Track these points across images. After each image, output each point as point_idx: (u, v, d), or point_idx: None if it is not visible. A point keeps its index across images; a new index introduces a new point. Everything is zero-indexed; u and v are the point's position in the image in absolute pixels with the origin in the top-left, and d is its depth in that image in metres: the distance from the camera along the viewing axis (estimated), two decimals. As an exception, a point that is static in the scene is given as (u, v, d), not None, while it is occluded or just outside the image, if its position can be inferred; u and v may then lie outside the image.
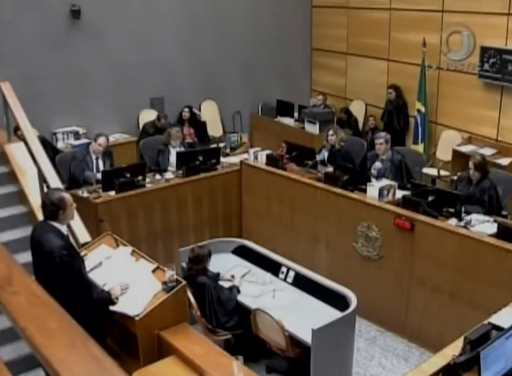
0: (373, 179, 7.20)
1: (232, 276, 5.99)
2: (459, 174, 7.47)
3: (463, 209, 6.40)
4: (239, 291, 5.78)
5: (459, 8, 9.50)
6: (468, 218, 6.26)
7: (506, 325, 4.07)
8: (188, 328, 4.63)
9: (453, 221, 6.15)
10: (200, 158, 7.79)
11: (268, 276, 6.11)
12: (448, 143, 9.76)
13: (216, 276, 5.90)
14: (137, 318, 4.36)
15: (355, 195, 6.83)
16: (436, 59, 9.98)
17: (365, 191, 6.83)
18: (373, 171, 7.53)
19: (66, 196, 4.48)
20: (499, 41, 8.97)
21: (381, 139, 7.68)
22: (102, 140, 7.74)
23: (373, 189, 6.73)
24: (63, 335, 3.11)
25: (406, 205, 6.45)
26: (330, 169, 7.58)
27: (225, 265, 6.29)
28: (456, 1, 9.60)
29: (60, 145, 9.60)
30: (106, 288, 4.57)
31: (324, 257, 7.08)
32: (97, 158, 7.80)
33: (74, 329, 3.15)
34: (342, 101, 12.01)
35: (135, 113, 10.57)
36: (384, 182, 6.97)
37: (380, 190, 6.68)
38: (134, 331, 4.43)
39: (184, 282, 4.64)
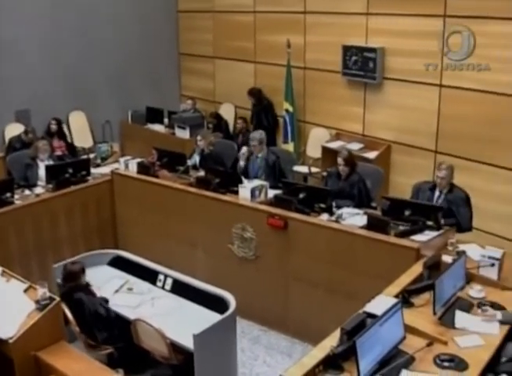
0: (245, 180, 7.25)
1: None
2: (328, 170, 7.63)
3: (333, 204, 6.55)
4: (106, 301, 5.65)
5: (321, 9, 9.75)
6: (339, 212, 6.41)
7: (379, 312, 4.18)
8: (66, 346, 4.51)
9: (325, 216, 6.29)
10: (70, 170, 7.57)
11: (146, 285, 6.03)
12: (317, 141, 10.00)
13: (89, 290, 5.75)
14: (11, 340, 4.21)
15: (228, 197, 6.85)
16: (301, 60, 10.19)
17: (237, 193, 6.86)
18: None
19: None
20: (360, 39, 9.26)
21: (255, 141, 7.78)
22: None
23: (244, 190, 6.77)
24: None
25: (278, 204, 6.52)
26: (202, 173, 7.57)
27: (102, 277, 6.14)
28: (317, 3, 9.84)
29: None
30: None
31: (202, 261, 7.05)
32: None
33: None
34: (212, 105, 12.06)
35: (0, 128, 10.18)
36: (256, 182, 7.03)
37: (252, 191, 6.73)
38: (9, 355, 4.26)
39: (58, 299, 4.51)
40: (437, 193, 6.56)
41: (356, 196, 6.95)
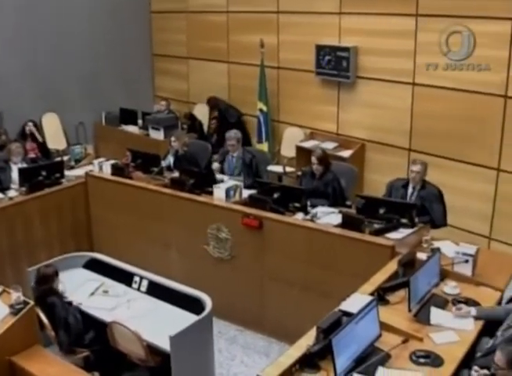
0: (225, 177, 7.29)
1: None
2: (302, 169, 7.65)
3: (308, 203, 6.57)
4: (70, 304, 5.60)
5: (294, 8, 9.76)
6: (314, 211, 6.43)
7: (355, 310, 4.20)
8: (42, 350, 4.48)
9: (300, 215, 6.30)
10: (44, 173, 7.50)
11: (122, 287, 5.98)
12: (291, 140, 10.02)
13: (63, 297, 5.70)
14: (-16, 346, 4.16)
15: (202, 198, 6.84)
16: (274, 59, 10.19)
17: (212, 193, 6.85)
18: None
19: None
20: (333, 39, 9.28)
21: (233, 141, 7.83)
22: None
23: (219, 190, 6.75)
24: None
25: (253, 204, 6.52)
26: (176, 174, 7.55)
27: (77, 280, 6.09)
28: (290, 2, 9.85)
29: None
30: None
31: (177, 262, 7.03)
32: None
33: None
34: (186, 105, 12.02)
35: (-29, 131, 10.03)
36: (230, 182, 7.02)
37: (227, 191, 6.72)
38: (-17, 360, 4.23)
39: (32, 303, 4.47)
40: (410, 189, 6.61)
41: (331, 195, 6.97)
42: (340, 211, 6.34)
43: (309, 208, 6.52)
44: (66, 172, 7.97)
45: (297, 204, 6.46)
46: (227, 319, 6.65)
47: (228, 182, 7.11)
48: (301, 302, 6.11)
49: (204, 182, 7.03)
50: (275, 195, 6.54)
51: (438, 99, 8.13)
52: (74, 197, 7.71)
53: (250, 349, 6.37)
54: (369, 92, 9.01)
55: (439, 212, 6.53)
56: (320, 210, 6.47)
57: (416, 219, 6.09)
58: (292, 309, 6.18)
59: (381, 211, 6.09)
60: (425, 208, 6.43)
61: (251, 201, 6.60)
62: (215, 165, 7.92)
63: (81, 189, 7.78)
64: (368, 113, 9.06)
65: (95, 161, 8.03)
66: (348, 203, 7.01)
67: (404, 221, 5.99)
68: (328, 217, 6.27)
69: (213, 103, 11.02)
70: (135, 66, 12.38)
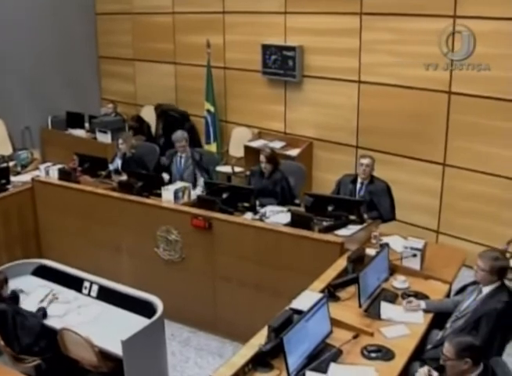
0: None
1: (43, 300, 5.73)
2: (251, 168, 7.66)
3: (257, 203, 6.58)
4: (45, 314, 5.53)
5: (239, 8, 9.77)
6: (263, 210, 6.44)
7: (305, 308, 4.22)
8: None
9: (249, 215, 6.30)
10: (-11, 180, 7.40)
11: (72, 293, 5.90)
12: (239, 140, 10.02)
13: (17, 301, 5.61)
14: None
15: (150, 200, 6.79)
16: (221, 60, 10.19)
17: (161, 195, 6.80)
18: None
19: None
20: (279, 38, 9.32)
21: (183, 142, 7.84)
22: None
23: (167, 192, 6.70)
24: None
25: (202, 205, 6.50)
26: (124, 177, 7.49)
27: (26, 287, 5.97)
28: (235, 3, 9.85)
29: None
30: None
31: (128, 266, 6.96)
32: None
33: None
34: (133, 107, 11.91)
35: None
36: (179, 184, 6.98)
37: (175, 193, 6.68)
38: None
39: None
40: (358, 184, 6.71)
41: (279, 193, 7.00)
42: (289, 210, 6.36)
43: (258, 208, 6.54)
44: (12, 178, 7.82)
45: (246, 204, 6.47)
46: (180, 321, 6.62)
47: (177, 183, 7.07)
48: (253, 302, 6.11)
49: (153, 184, 6.98)
50: (224, 195, 6.53)
51: (383, 97, 8.23)
52: (21, 203, 7.57)
53: (204, 351, 6.35)
54: (315, 90, 9.07)
55: (387, 206, 6.64)
56: (269, 209, 6.49)
57: (365, 215, 6.16)
58: (244, 309, 6.19)
59: (330, 208, 6.12)
60: (373, 203, 6.52)
61: (200, 202, 6.58)
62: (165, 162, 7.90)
63: (28, 195, 7.64)
64: (315, 111, 9.11)
65: (42, 166, 7.90)
66: (297, 201, 7.06)
67: (353, 217, 6.04)
68: (277, 216, 6.28)
69: (159, 112, 10.98)
70: (81, 68, 12.19)
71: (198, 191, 7.16)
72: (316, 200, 6.37)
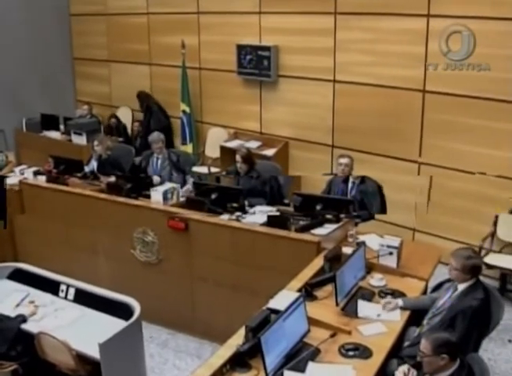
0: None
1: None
2: (227, 168, 7.65)
3: (246, 203, 6.57)
4: (24, 320, 5.47)
5: (214, 9, 9.79)
6: (252, 210, 6.43)
7: (282, 307, 4.21)
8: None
9: (225, 215, 6.28)
10: (-37, 183, 7.32)
11: (48, 296, 5.84)
12: (215, 140, 10.04)
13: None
14: None
15: (123, 199, 6.75)
16: (196, 60, 10.18)
17: (149, 197, 6.77)
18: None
19: None
20: (254, 38, 9.34)
21: (159, 143, 7.84)
22: None
23: (156, 193, 6.68)
24: None
25: (191, 206, 6.49)
26: (103, 180, 7.45)
27: (1, 291, 5.91)
28: (210, 3, 9.86)
29: None
30: None
31: (105, 268, 6.92)
32: None
33: None
34: (108, 109, 11.87)
35: None
36: (168, 185, 6.94)
37: (164, 194, 6.66)
38: None
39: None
40: (350, 184, 6.78)
41: (268, 193, 7.01)
42: (278, 210, 6.38)
43: (247, 208, 6.51)
44: (-11, 180, 7.77)
45: (235, 204, 6.42)
46: (158, 323, 6.59)
47: (166, 184, 7.04)
48: (231, 302, 6.10)
49: (141, 185, 6.96)
50: (213, 196, 6.50)
51: (359, 96, 8.27)
52: (-5, 206, 7.50)
53: (182, 352, 6.33)
54: (290, 90, 9.09)
55: (377, 203, 6.71)
56: (258, 209, 6.47)
57: (355, 214, 6.19)
58: (222, 310, 6.17)
59: (318, 207, 6.12)
60: (364, 203, 6.56)
61: (188, 203, 6.56)
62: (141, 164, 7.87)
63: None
64: (290, 111, 9.14)
65: (17, 169, 7.88)
66: (286, 201, 7.06)
67: (329, 216, 6.04)
68: (254, 216, 6.26)
69: (143, 97, 10.89)
70: (56, 70, 12.13)
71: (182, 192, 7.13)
72: (305, 199, 6.36)
